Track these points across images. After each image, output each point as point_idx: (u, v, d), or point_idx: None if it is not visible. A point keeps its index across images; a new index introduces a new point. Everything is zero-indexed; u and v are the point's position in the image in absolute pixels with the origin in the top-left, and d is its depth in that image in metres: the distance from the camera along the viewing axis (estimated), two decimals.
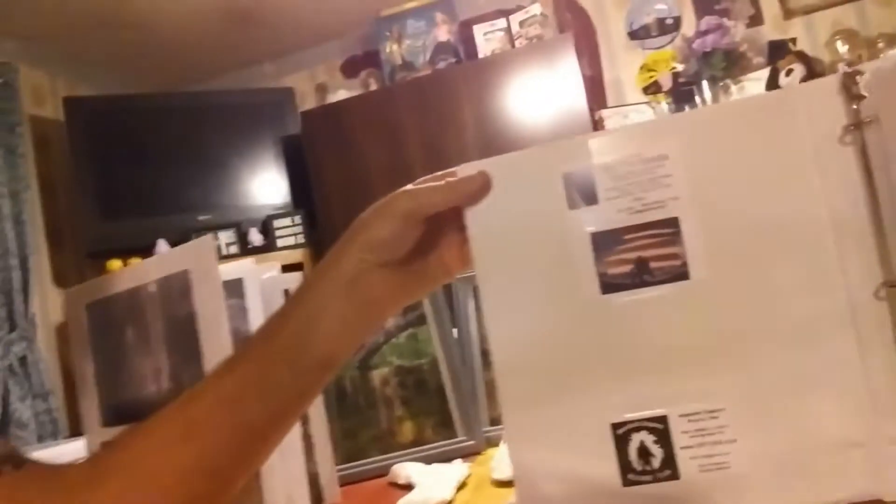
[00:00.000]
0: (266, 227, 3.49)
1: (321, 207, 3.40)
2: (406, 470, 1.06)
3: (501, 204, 0.69)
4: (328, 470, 1.09)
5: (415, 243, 0.64)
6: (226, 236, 3.34)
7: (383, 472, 1.15)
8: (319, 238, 3.39)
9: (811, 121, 0.65)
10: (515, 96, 3.40)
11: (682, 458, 0.66)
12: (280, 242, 3.44)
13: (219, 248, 3.32)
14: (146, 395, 0.92)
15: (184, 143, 3.46)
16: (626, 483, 0.67)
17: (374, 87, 3.87)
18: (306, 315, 0.58)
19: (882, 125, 0.61)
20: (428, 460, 1.14)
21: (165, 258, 0.83)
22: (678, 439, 0.66)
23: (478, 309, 1.33)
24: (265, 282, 0.99)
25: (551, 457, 0.68)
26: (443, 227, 0.69)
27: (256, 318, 0.93)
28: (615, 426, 0.67)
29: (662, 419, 0.67)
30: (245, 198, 3.56)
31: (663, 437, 0.66)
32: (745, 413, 0.65)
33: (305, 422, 1.09)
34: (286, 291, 1.02)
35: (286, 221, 3.47)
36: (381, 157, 3.42)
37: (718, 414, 0.66)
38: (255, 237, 3.45)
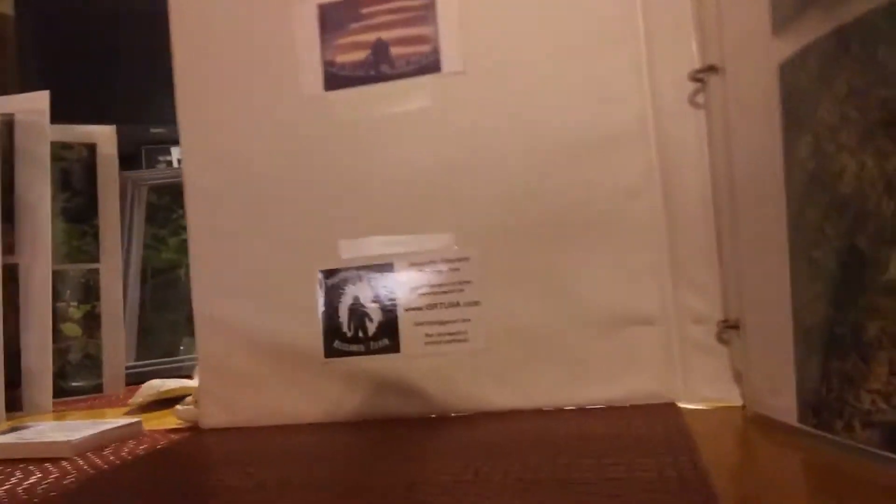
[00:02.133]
0: None
1: None
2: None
3: None
4: (114, 359, 0.91)
5: None
6: (179, 152, 3.17)
7: None
8: None
9: None
10: None
11: (405, 323, 0.47)
12: None
13: (170, 163, 3.14)
14: None
15: (144, 48, 3.25)
16: (330, 353, 0.48)
17: None
18: None
19: None
20: None
21: None
22: (405, 297, 0.47)
23: None
24: (27, 116, 0.82)
25: (243, 314, 0.49)
26: None
27: None
28: (325, 274, 0.48)
29: (387, 268, 0.47)
30: None
31: (386, 292, 0.47)
32: (496, 266, 0.46)
33: (96, 299, 0.92)
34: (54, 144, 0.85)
35: None
36: None
37: (460, 265, 0.46)
38: None
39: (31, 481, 0.39)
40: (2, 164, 0.78)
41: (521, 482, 0.30)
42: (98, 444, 0.47)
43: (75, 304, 0.90)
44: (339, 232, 0.48)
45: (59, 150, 0.91)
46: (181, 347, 1.07)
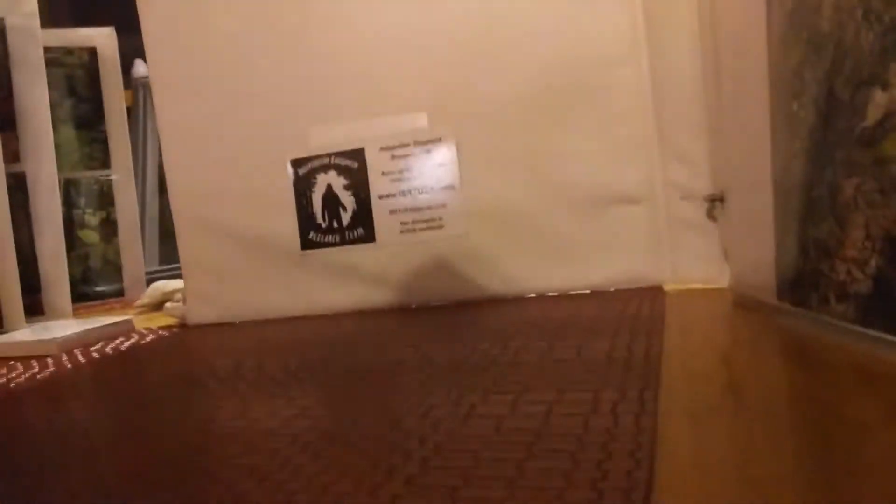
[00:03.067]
0: None
1: None
2: None
3: None
4: (134, 264, 0.92)
5: None
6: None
7: None
8: None
9: None
10: None
11: (379, 211, 0.45)
12: None
13: None
14: None
15: None
16: (306, 245, 0.46)
17: None
18: None
19: None
20: None
21: None
22: (377, 184, 0.45)
23: None
24: (17, 20, 0.79)
25: (219, 211, 0.48)
26: None
27: None
28: (296, 164, 0.46)
29: (358, 154, 0.45)
30: None
31: (358, 179, 0.45)
32: (472, 147, 0.43)
33: (111, 205, 0.92)
34: (45, 49, 0.82)
35: None
36: None
37: (434, 146, 0.43)
38: None
39: (11, 376, 0.40)
40: None
41: (462, 365, 0.29)
42: (84, 341, 0.47)
43: (91, 211, 0.91)
44: (308, 117, 0.45)
45: (62, 57, 0.89)
46: None
